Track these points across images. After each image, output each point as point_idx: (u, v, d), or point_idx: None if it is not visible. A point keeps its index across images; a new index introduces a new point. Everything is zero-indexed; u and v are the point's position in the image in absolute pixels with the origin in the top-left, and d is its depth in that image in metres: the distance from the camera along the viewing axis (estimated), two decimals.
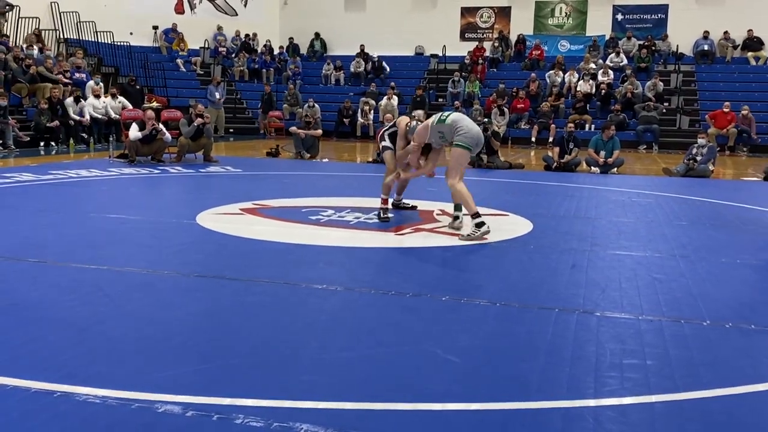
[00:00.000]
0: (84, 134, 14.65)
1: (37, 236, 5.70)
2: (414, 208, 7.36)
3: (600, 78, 19.49)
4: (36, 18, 17.99)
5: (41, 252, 5.04)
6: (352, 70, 22.22)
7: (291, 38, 23.79)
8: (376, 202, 6.97)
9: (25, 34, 17.49)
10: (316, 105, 18.13)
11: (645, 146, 17.58)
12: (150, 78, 19.61)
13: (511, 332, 3.58)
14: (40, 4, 18.51)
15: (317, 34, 23.94)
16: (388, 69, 22.32)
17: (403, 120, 6.86)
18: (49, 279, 4.39)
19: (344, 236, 5.93)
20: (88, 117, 14.82)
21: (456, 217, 6.39)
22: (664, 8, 21.74)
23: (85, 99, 15.24)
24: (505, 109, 18.37)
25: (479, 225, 5.87)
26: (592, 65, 20.15)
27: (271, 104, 19.75)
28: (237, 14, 23.78)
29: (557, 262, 5.18)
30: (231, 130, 19.51)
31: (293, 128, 13.61)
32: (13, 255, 4.94)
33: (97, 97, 15.46)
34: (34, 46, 16.64)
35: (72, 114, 14.52)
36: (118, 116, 14.99)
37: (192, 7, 23.01)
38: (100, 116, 15.22)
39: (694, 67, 20.60)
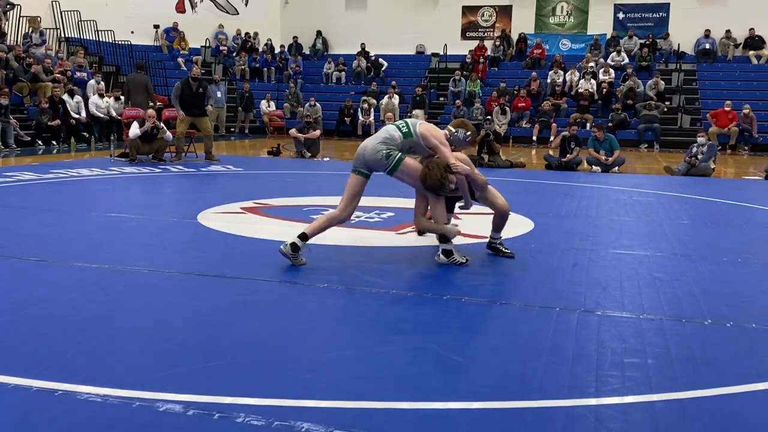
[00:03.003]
0: (85, 133, 14.64)
1: (38, 235, 5.69)
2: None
3: (601, 77, 19.48)
4: (37, 17, 17.98)
5: (42, 251, 5.04)
6: (353, 68, 22.21)
7: (295, 37, 23.74)
8: (376, 201, 6.95)
9: (25, 33, 17.50)
10: (317, 104, 18.09)
11: (646, 145, 17.58)
12: (151, 77, 19.58)
13: (513, 331, 3.57)
14: (40, 2, 18.49)
15: (319, 32, 23.90)
16: (385, 64, 22.27)
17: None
18: (50, 278, 4.39)
19: (345, 235, 5.92)
20: (84, 114, 14.79)
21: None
22: (665, 7, 21.71)
23: (85, 97, 15.21)
24: (507, 108, 18.36)
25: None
26: (592, 63, 20.13)
27: (251, 103, 19.50)
28: (238, 13, 23.77)
29: (558, 261, 5.17)
30: (232, 129, 19.51)
31: (292, 131, 13.63)
32: (14, 254, 4.93)
33: (101, 96, 15.45)
34: (36, 33, 16.57)
35: (70, 111, 14.49)
36: (119, 116, 14.99)
37: (193, 6, 23.00)
38: (102, 115, 15.22)
39: (695, 65, 20.58)
